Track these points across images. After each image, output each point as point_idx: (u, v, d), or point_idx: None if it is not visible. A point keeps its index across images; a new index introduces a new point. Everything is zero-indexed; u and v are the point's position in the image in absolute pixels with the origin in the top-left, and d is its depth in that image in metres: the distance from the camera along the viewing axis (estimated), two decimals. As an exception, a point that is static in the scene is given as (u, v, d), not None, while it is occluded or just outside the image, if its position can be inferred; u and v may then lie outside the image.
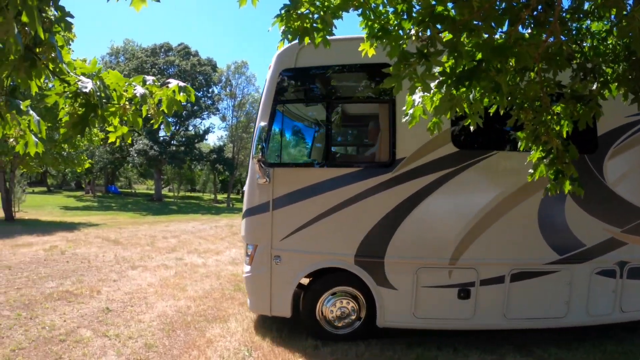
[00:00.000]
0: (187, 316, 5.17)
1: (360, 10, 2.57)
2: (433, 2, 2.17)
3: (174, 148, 38.29)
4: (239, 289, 6.52)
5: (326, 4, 2.49)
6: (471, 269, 4.31)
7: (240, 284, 6.65)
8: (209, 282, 7.02)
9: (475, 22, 2.19)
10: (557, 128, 2.86)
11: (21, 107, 2.22)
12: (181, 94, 2.09)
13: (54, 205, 27.91)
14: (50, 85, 2.40)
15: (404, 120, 2.80)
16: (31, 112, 2.21)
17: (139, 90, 1.98)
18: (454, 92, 2.24)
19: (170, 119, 2.39)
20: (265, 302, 4.49)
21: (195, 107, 38.72)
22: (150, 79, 2.14)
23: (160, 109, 2.09)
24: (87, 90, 1.84)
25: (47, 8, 2.11)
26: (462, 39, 2.19)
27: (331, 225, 4.34)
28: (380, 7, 2.61)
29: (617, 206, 4.40)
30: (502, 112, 2.73)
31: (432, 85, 2.34)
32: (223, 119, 45.94)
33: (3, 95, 2.30)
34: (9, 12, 1.56)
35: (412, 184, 4.29)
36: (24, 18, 1.70)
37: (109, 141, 2.24)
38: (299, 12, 2.40)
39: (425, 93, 2.59)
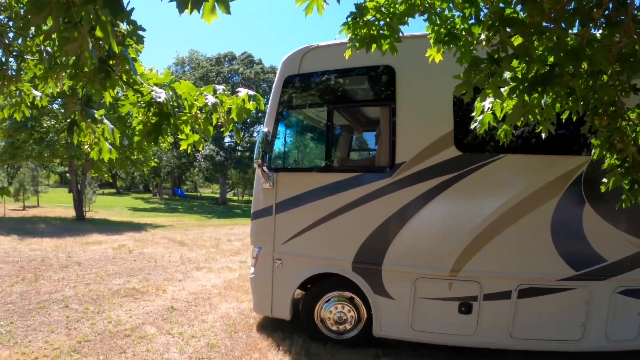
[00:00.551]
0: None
1: (426, 16, 2.53)
2: (501, 5, 2.09)
3: (239, 153, 39.17)
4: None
5: (392, 10, 2.46)
6: (474, 282, 4.02)
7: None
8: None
9: (545, 24, 2.09)
10: (633, 135, 2.66)
11: (96, 116, 2.35)
12: (251, 102, 2.14)
13: (123, 206, 29.05)
14: (118, 93, 2.52)
15: (472, 126, 2.71)
16: (105, 120, 2.34)
17: (210, 99, 2.05)
18: (527, 98, 2.14)
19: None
20: (267, 304, 4.62)
21: (259, 114, 40.19)
22: (220, 88, 2.21)
23: (230, 117, 2.15)
24: (160, 99, 1.92)
25: (119, 22, 2.21)
26: (533, 43, 2.10)
27: (330, 230, 4.34)
28: (446, 12, 2.55)
29: None
30: (574, 118, 2.57)
31: (503, 91, 2.25)
32: (286, 125, 47.21)
33: (79, 105, 2.43)
34: (83, 28, 1.61)
35: (411, 190, 4.12)
36: (98, 33, 1.77)
37: (181, 148, 2.32)
38: (365, 19, 2.39)
39: (497, 99, 2.50)
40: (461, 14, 2.40)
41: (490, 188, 4.09)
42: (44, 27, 2.15)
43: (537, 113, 2.34)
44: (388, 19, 2.48)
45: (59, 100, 14.84)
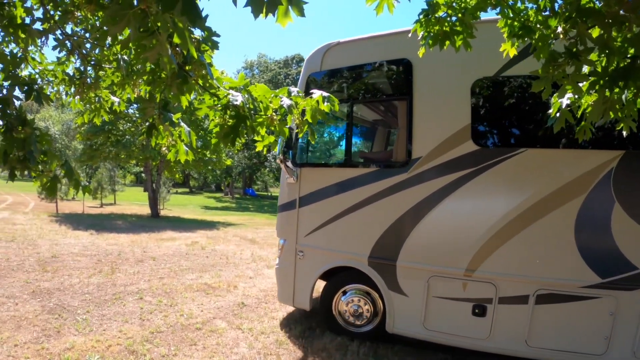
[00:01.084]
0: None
1: (498, 9, 2.43)
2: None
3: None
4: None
5: (463, 5, 2.37)
6: (489, 284, 3.80)
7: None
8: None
9: (623, 13, 1.88)
10: None
11: (173, 119, 2.45)
12: (325, 103, 2.13)
13: (196, 204, 30.32)
14: (192, 97, 2.60)
15: (549, 124, 2.50)
16: (182, 123, 2.45)
17: (286, 101, 2.07)
18: (607, 93, 1.93)
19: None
20: (289, 294, 4.81)
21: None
22: (294, 90, 2.23)
23: (304, 119, 2.15)
24: (237, 102, 1.97)
25: (194, 29, 2.27)
26: (612, 34, 1.89)
27: (348, 224, 4.38)
28: (519, 4, 2.43)
29: None
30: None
31: (582, 86, 2.09)
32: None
33: (157, 109, 2.55)
34: (162, 35, 1.67)
35: (427, 185, 4.00)
36: (176, 39, 1.83)
37: (257, 149, 2.37)
38: (436, 15, 2.33)
39: (576, 95, 2.31)
40: (535, 6, 2.31)
41: (509, 184, 3.84)
42: (120, 37, 2.27)
43: (617, 109, 2.13)
44: (460, 15, 2.44)
45: (135, 105, 16.10)
